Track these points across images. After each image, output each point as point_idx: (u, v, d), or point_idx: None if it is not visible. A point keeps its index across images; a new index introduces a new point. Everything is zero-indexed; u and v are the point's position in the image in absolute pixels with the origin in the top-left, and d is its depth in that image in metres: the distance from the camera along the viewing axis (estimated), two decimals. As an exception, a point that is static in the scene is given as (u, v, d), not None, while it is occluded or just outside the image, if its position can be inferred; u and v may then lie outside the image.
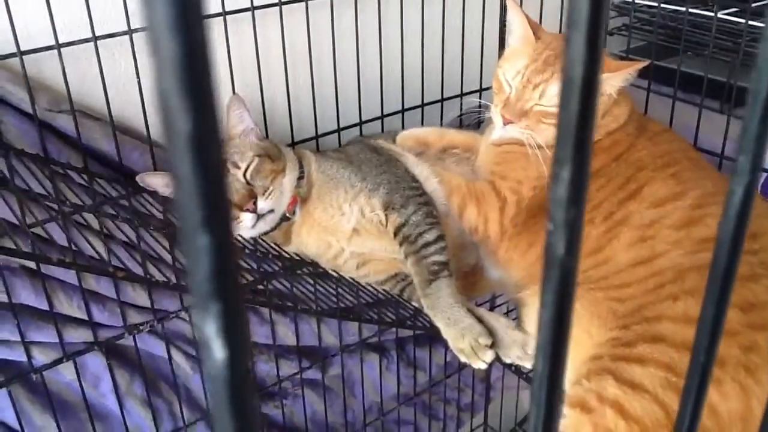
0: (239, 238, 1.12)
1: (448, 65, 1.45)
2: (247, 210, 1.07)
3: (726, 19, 1.52)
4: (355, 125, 1.37)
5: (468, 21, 1.44)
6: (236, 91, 1.18)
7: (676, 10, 1.57)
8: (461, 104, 1.47)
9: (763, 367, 0.87)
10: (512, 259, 1.13)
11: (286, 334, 1.38)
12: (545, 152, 1.10)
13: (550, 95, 1.08)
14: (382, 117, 1.40)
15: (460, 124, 1.45)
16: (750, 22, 1.38)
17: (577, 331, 0.98)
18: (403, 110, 1.42)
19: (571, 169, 0.22)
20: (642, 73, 1.49)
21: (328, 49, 1.29)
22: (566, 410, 0.93)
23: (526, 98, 1.09)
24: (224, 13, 1.15)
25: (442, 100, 1.47)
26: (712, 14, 1.54)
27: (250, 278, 1.21)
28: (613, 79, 1.06)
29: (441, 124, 1.44)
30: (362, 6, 1.31)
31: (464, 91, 1.49)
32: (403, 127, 1.39)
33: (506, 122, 1.11)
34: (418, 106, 1.44)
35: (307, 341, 1.40)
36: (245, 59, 1.23)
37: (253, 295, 1.21)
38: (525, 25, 1.12)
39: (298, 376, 1.41)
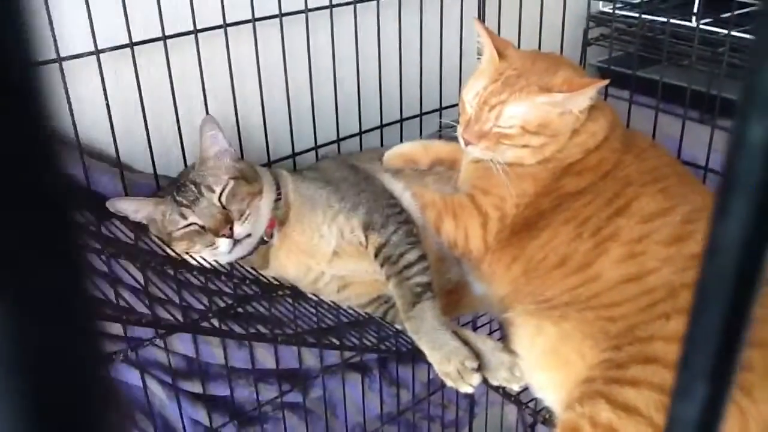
0: (214, 263, 1.08)
1: (427, 80, 1.43)
2: (224, 235, 1.03)
3: (707, 30, 1.51)
4: (332, 142, 1.34)
5: (446, 34, 1.42)
6: (209, 110, 1.15)
7: (657, 20, 1.56)
8: (440, 119, 1.44)
9: (759, 386, 0.85)
10: (496, 273, 1.10)
11: (266, 358, 1.34)
12: (513, 169, 1.08)
13: (506, 117, 1.06)
14: (361, 133, 1.36)
15: (440, 139, 1.42)
16: (732, 33, 1.37)
17: (569, 352, 0.96)
18: (382, 126, 1.39)
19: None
20: (623, 84, 1.48)
21: (304, 65, 1.26)
22: (559, 435, 0.90)
23: (483, 120, 1.07)
24: (195, 31, 1.11)
25: (421, 114, 1.44)
26: (693, 24, 1.54)
27: (229, 301, 1.17)
28: (575, 99, 1.04)
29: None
30: (338, 21, 1.28)
31: (443, 105, 1.46)
32: (381, 144, 1.36)
33: (466, 143, 1.09)
34: (396, 122, 1.41)
35: (287, 364, 1.36)
36: (218, 78, 1.19)
37: (230, 324, 1.18)
38: (489, 45, 1.11)
39: (279, 399, 1.37)
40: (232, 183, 1.06)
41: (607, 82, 1.07)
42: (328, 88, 1.31)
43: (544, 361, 0.99)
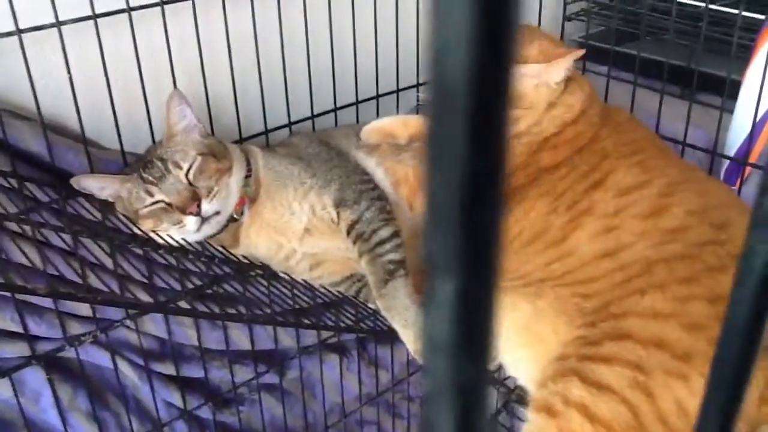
0: (183, 242, 1.06)
1: (404, 55, 1.40)
2: (191, 213, 1.00)
3: (686, 3, 1.49)
4: (307, 119, 1.31)
5: (423, 8, 1.39)
6: (178, 85, 1.11)
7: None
8: (417, 94, 1.41)
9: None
10: None
11: (241, 339, 1.32)
12: None
13: None
14: (336, 110, 1.34)
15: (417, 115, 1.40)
16: (710, 6, 1.35)
17: (543, 329, 0.94)
18: (357, 102, 1.36)
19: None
20: (602, 59, 1.46)
21: (276, 39, 1.23)
22: (531, 414, 0.89)
23: None
24: (162, 2, 1.08)
25: (398, 90, 1.41)
26: (671, -3, 1.51)
27: (198, 282, 1.15)
28: (552, 70, 1.02)
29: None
30: (311, -6, 1.25)
31: (421, 80, 1.43)
32: (357, 120, 1.34)
33: None
34: (372, 98, 1.38)
35: (263, 345, 1.34)
36: (187, 51, 1.16)
37: (203, 304, 1.16)
38: None
39: (255, 381, 1.35)
40: (199, 159, 1.03)
41: (582, 52, 1.05)
42: (302, 63, 1.28)
43: (517, 339, 0.98)
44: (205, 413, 1.32)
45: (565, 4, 1.60)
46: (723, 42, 1.40)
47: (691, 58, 1.41)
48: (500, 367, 1.03)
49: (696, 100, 1.32)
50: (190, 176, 1.02)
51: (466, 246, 0.20)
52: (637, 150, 1.05)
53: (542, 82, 1.04)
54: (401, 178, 1.13)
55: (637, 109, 1.30)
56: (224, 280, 1.16)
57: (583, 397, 0.86)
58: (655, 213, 0.96)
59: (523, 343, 0.97)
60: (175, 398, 1.27)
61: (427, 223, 0.19)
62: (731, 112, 1.30)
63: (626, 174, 1.01)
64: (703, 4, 1.37)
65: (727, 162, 1.32)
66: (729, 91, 1.28)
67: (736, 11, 1.32)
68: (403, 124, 1.24)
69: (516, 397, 1.03)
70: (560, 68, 1.03)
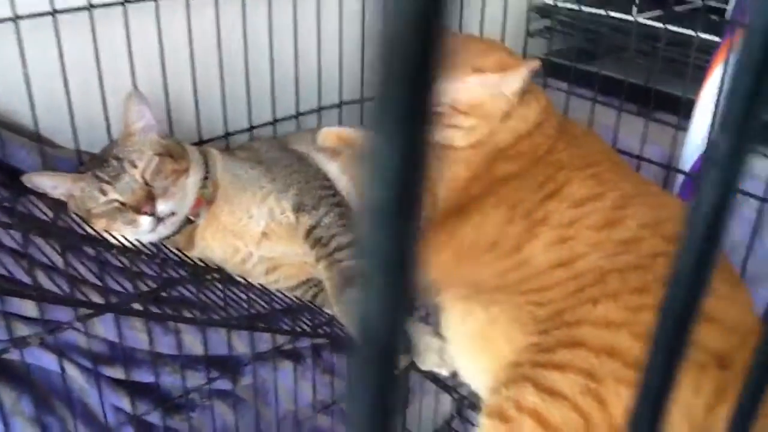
0: (136, 243, 1.04)
1: (369, 63, 1.40)
2: (145, 213, 0.99)
3: (645, 24, 1.52)
4: (268, 124, 1.30)
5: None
6: (139, 86, 1.10)
7: (597, 14, 1.56)
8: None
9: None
10: (426, 258, 1.08)
11: (194, 344, 1.30)
12: (445, 153, 1.07)
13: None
14: (298, 115, 1.33)
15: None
16: (668, 27, 1.38)
17: (497, 336, 0.95)
18: (320, 109, 1.36)
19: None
20: (562, 76, 1.49)
21: (239, 42, 1.22)
22: (483, 420, 0.89)
23: None
24: (124, 1, 1.07)
25: (362, 100, 1.41)
26: (632, 18, 1.55)
27: (152, 285, 1.13)
28: (507, 80, 1.03)
29: (361, 125, 1.39)
30: (276, -2, 1.25)
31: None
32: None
33: None
34: (336, 105, 1.38)
35: (216, 350, 1.32)
36: (148, 52, 1.15)
37: (156, 308, 1.14)
38: None
39: (207, 386, 1.33)
40: (156, 159, 1.02)
41: (537, 63, 1.06)
42: (265, 67, 1.27)
43: (472, 345, 0.98)
44: (155, 419, 1.30)
45: (528, 20, 1.62)
46: (680, 62, 1.44)
47: (648, 77, 1.44)
48: (454, 374, 1.03)
49: (653, 117, 1.35)
50: (146, 176, 1.01)
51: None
52: (592, 163, 1.07)
53: (498, 92, 1.05)
54: None
55: (596, 125, 1.33)
56: (179, 283, 1.15)
57: (535, 403, 0.86)
58: (608, 224, 0.97)
59: (477, 349, 0.97)
60: (124, 403, 1.24)
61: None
62: (686, 130, 1.34)
63: (581, 186, 1.02)
64: (661, 25, 1.41)
65: (681, 177, 1.35)
66: (685, 109, 1.31)
67: (693, 33, 1.36)
68: (361, 135, 1.24)
69: (469, 403, 1.03)
70: (516, 79, 1.04)
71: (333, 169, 1.16)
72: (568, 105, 1.42)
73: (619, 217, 0.97)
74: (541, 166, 1.07)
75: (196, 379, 1.32)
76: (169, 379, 1.30)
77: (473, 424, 1.33)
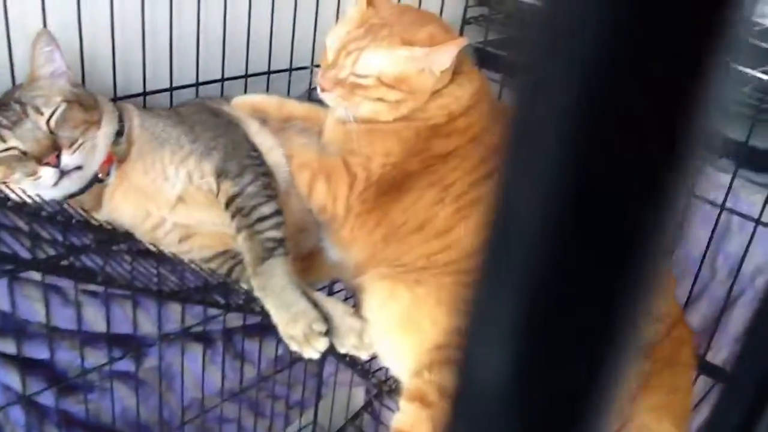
0: (36, 198, 0.95)
1: (301, 33, 1.34)
2: (48, 164, 0.90)
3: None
4: (191, 85, 1.22)
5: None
6: (50, 27, 1.01)
7: (536, 4, 1.55)
8: (311, 76, 1.36)
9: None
10: (357, 238, 1.04)
11: (95, 319, 1.21)
12: (374, 126, 1.03)
13: (363, 64, 1.00)
14: (223, 80, 1.26)
15: (309, 98, 1.34)
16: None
17: (422, 318, 0.91)
18: (247, 75, 1.29)
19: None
20: (497, 67, 1.47)
21: (165, -2, 1.14)
22: (403, 404, 0.85)
23: (340, 66, 1.01)
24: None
25: (291, 69, 1.35)
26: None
27: (51, 252, 1.04)
28: (434, 55, 1.00)
29: (288, 96, 1.33)
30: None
31: (316, 62, 1.38)
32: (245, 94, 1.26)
33: (322, 90, 1.02)
34: (264, 73, 1.31)
35: (119, 328, 1.24)
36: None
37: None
38: None
39: (108, 367, 1.24)
40: (64, 106, 0.93)
41: (465, 40, 1.03)
42: (191, 24, 1.19)
43: (395, 326, 0.94)
44: (48, 399, 1.20)
45: (466, 7, 1.60)
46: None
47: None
48: (373, 358, 0.98)
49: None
50: (52, 124, 0.92)
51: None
52: None
53: (426, 67, 1.01)
54: (304, 162, 1.07)
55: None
56: (82, 252, 1.06)
57: None
58: (542, 209, 0.95)
59: (400, 331, 0.93)
60: (14, 380, 1.14)
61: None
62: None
63: None
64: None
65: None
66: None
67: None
68: (279, 105, 1.18)
69: (388, 387, 0.99)
70: (443, 55, 1.01)
71: (265, 140, 1.09)
72: (501, 96, 1.40)
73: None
74: (477, 146, 1.04)
75: (95, 357, 1.23)
76: (66, 357, 1.21)
77: (392, 410, 1.29)
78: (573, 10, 0.14)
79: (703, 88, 0.14)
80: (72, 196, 0.98)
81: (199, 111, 1.09)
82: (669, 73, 0.14)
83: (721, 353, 1.22)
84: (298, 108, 1.19)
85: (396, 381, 0.97)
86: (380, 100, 1.01)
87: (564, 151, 0.15)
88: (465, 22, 1.59)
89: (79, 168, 0.94)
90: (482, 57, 1.54)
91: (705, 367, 1.11)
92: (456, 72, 1.07)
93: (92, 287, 1.18)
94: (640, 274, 0.16)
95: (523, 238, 0.16)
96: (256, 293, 0.96)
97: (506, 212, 0.16)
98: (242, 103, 1.16)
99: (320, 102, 1.13)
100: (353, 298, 1.08)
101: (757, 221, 1.14)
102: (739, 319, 1.27)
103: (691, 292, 1.20)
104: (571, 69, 0.15)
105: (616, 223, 0.16)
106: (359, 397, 1.64)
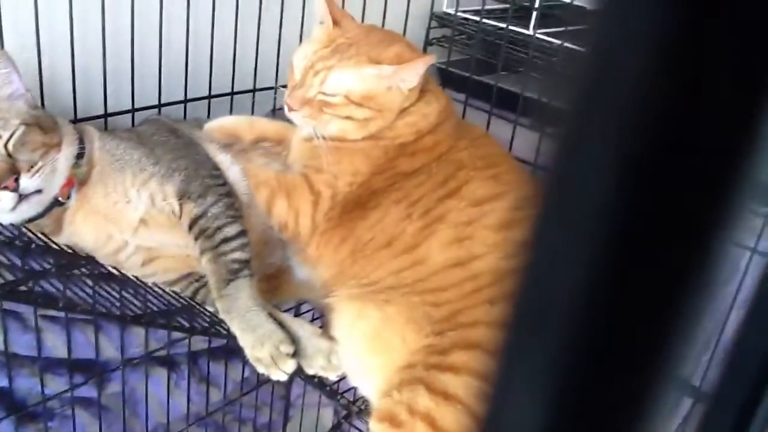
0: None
1: (264, 53, 1.34)
2: (6, 188, 0.88)
3: (544, 39, 1.54)
4: (153, 107, 1.21)
5: (288, 8, 1.34)
6: (7, 49, 0.99)
7: (497, 26, 1.58)
8: (275, 97, 1.36)
9: None
10: (323, 255, 1.03)
11: (55, 344, 1.18)
12: (343, 145, 1.04)
13: (330, 83, 1.01)
14: (186, 101, 1.25)
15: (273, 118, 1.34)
16: (565, 44, 1.41)
17: (391, 337, 0.91)
18: (210, 96, 1.28)
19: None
20: (459, 88, 1.48)
21: (127, 16, 1.13)
22: (374, 424, 0.85)
23: (308, 85, 1.01)
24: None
25: (255, 90, 1.35)
26: (530, 33, 1.57)
27: (10, 277, 1.02)
28: (403, 73, 1.01)
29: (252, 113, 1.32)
30: (169, -26, 1.17)
31: (280, 82, 1.38)
32: (209, 116, 1.26)
33: (290, 109, 1.03)
34: (227, 94, 1.31)
35: (81, 353, 1.21)
36: (22, 16, 1.04)
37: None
38: (324, 10, 1.06)
39: (69, 393, 1.21)
40: (22, 128, 0.91)
41: (433, 57, 1.04)
42: (153, 46, 1.18)
43: (364, 347, 0.93)
44: (6, 428, 1.17)
45: (429, 28, 1.61)
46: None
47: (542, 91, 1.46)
48: (341, 378, 0.97)
49: (546, 131, 1.36)
50: (10, 147, 0.90)
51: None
52: (492, 164, 1.05)
53: (394, 85, 1.02)
54: (262, 181, 1.06)
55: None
56: (42, 276, 1.04)
57: (429, 407, 0.82)
58: (507, 225, 0.95)
59: (370, 351, 0.93)
60: (-30, 409, 1.11)
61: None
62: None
63: (481, 185, 1.01)
64: (558, 42, 1.43)
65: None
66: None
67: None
68: (249, 125, 1.18)
69: (357, 408, 0.98)
70: (411, 72, 1.01)
71: (224, 160, 1.09)
72: (465, 116, 1.42)
73: (518, 218, 0.96)
74: (442, 164, 1.05)
75: (56, 384, 1.20)
76: (26, 384, 1.18)
77: (361, 430, 1.28)
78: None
79: (751, 144, 0.14)
80: (31, 220, 0.96)
81: (158, 131, 1.08)
82: (718, 131, 0.14)
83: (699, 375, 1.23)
84: (268, 126, 1.19)
85: (365, 401, 0.96)
86: (348, 118, 1.02)
87: (608, 211, 0.15)
88: (428, 43, 1.61)
89: (38, 192, 0.92)
90: (445, 77, 1.55)
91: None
92: (422, 90, 1.08)
93: (52, 312, 1.16)
94: (679, 347, 0.16)
95: (557, 304, 0.15)
96: (222, 316, 0.94)
97: (537, 276, 0.16)
98: (216, 128, 1.15)
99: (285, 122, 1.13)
100: (321, 319, 1.07)
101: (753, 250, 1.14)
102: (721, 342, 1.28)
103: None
104: (611, 125, 0.15)
105: (657, 289, 0.16)
106: (327, 418, 1.62)
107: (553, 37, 1.55)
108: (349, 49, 1.01)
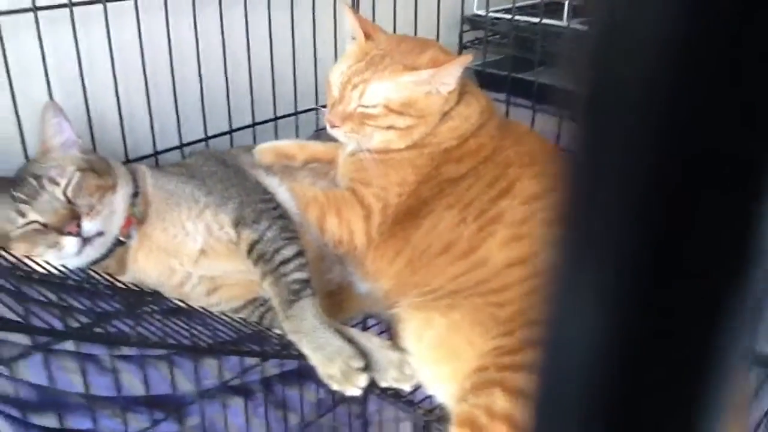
0: (61, 268, 0.95)
1: (301, 76, 1.35)
2: (70, 233, 0.90)
3: (579, 29, 1.52)
4: (200, 140, 1.24)
5: (319, 30, 1.36)
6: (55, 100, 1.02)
7: (531, 22, 1.56)
8: (317, 118, 1.37)
9: None
10: (380, 268, 1.03)
11: (133, 383, 1.20)
12: (389, 156, 1.04)
13: (369, 95, 1.01)
14: (231, 132, 1.27)
15: (318, 138, 1.35)
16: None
17: (459, 342, 0.90)
18: (254, 124, 1.30)
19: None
20: (499, 87, 1.47)
21: (165, 56, 1.16)
22: (454, 430, 0.83)
23: (347, 100, 1.02)
24: (35, 8, 1.00)
25: (297, 113, 1.36)
26: (564, 24, 1.55)
27: (85, 320, 1.04)
28: (440, 76, 1.01)
29: (296, 137, 1.34)
30: (201, 8, 1.19)
31: (320, 103, 1.39)
32: (254, 143, 1.27)
33: (332, 126, 1.03)
34: (270, 120, 1.33)
35: (158, 389, 1.23)
36: (65, 65, 1.07)
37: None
38: (355, 26, 1.07)
39: (151, 430, 1.23)
40: (78, 175, 0.94)
41: (470, 57, 1.04)
42: (194, 81, 1.21)
43: (434, 355, 0.92)
44: (94, 470, 1.19)
45: (462, 32, 1.60)
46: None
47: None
48: (416, 388, 0.97)
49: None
50: (69, 193, 0.92)
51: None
52: (539, 160, 1.04)
53: (433, 89, 1.02)
54: (310, 200, 1.07)
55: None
56: (113, 317, 1.06)
57: (507, 408, 0.81)
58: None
59: (440, 358, 0.92)
60: (59, 455, 1.14)
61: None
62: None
63: (531, 182, 0.99)
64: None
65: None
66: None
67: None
68: (300, 147, 1.19)
69: (435, 417, 0.97)
70: (448, 74, 1.01)
71: (272, 182, 1.10)
72: (508, 114, 1.41)
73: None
74: (489, 165, 1.04)
75: (138, 422, 1.22)
76: (109, 424, 1.20)
77: (441, 438, 1.27)
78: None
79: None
80: (96, 262, 0.98)
81: (207, 162, 1.10)
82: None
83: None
84: (319, 147, 1.20)
85: (443, 409, 0.95)
86: (391, 128, 1.02)
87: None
88: (462, 46, 1.60)
89: (100, 234, 0.94)
90: (483, 78, 1.54)
91: (755, 359, 1.07)
92: (461, 93, 1.07)
93: (126, 351, 1.18)
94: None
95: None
96: (290, 337, 0.95)
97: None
98: (266, 150, 1.17)
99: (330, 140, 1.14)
100: (388, 332, 1.07)
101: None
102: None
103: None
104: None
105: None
106: (407, 431, 1.61)
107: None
108: (383, 60, 1.02)
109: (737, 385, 0.17)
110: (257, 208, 1.02)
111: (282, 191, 1.08)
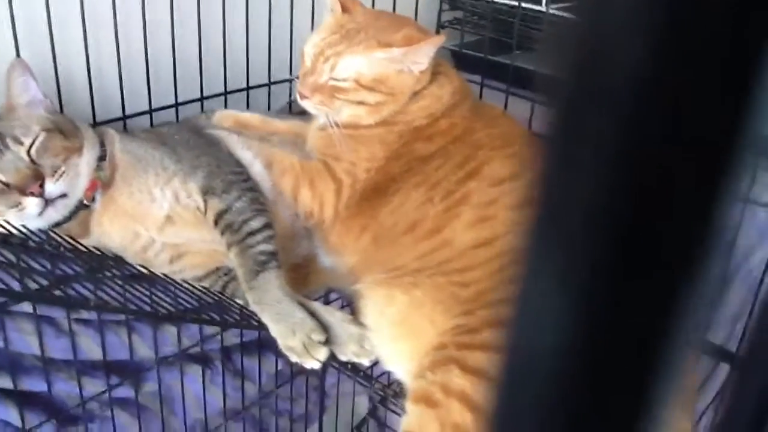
0: (22, 229, 0.94)
1: (277, 46, 1.34)
2: (32, 194, 0.89)
3: (557, 15, 1.53)
4: (170, 106, 1.22)
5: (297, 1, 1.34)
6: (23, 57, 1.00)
7: (509, 5, 1.56)
8: (291, 88, 1.36)
9: None
10: (345, 243, 1.04)
11: (90, 347, 1.20)
12: (358, 132, 1.04)
13: (341, 68, 1.01)
14: (202, 99, 1.26)
15: (290, 110, 1.34)
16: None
17: (420, 320, 0.91)
18: (226, 93, 1.29)
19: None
20: (475, 69, 1.47)
21: (138, 18, 1.14)
22: (410, 406, 0.85)
23: (318, 72, 1.01)
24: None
25: (270, 83, 1.35)
26: (543, 9, 1.55)
27: (44, 282, 1.03)
28: (412, 54, 1.00)
29: (269, 110, 1.33)
30: (177, -27, 1.17)
31: (295, 74, 1.38)
32: (225, 111, 1.26)
33: (302, 97, 1.03)
34: (243, 89, 1.31)
35: (115, 355, 1.22)
36: (35, 22, 1.05)
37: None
38: None
39: (106, 394, 1.22)
40: (44, 135, 0.92)
41: (442, 38, 1.03)
42: (166, 45, 1.19)
43: (394, 331, 0.93)
44: (48, 432, 1.19)
45: (440, 11, 1.60)
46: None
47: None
48: (374, 363, 0.98)
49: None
50: (33, 153, 0.91)
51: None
52: (510, 143, 1.05)
53: (405, 68, 1.02)
54: (287, 168, 1.07)
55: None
56: (73, 280, 1.05)
57: (463, 385, 0.82)
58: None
59: (401, 335, 0.93)
60: (12, 415, 1.13)
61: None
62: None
63: (501, 165, 1.00)
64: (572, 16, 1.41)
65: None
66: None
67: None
68: (262, 121, 1.19)
69: (392, 392, 0.98)
70: (421, 54, 1.01)
71: (246, 156, 1.09)
72: (482, 97, 1.41)
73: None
74: (459, 145, 1.04)
75: (94, 386, 1.22)
76: (64, 388, 1.19)
77: (398, 414, 1.28)
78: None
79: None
80: (58, 224, 0.97)
81: (179, 131, 1.09)
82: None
83: (719, 333, 1.22)
84: (281, 125, 1.19)
85: (400, 384, 0.97)
86: (360, 103, 1.02)
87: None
88: (440, 25, 1.60)
89: (63, 196, 0.93)
90: (459, 59, 1.54)
91: (706, 348, 1.10)
92: (434, 73, 1.07)
93: (85, 315, 1.17)
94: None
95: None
96: (252, 307, 0.95)
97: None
98: (226, 116, 1.16)
99: (302, 114, 1.13)
100: (350, 307, 1.07)
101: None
102: (734, 298, 1.27)
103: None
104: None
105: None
106: (363, 405, 1.63)
107: (567, 12, 1.53)
108: (358, 34, 1.01)
109: (685, 372, 0.18)
110: (227, 179, 1.01)
111: (256, 164, 1.07)
